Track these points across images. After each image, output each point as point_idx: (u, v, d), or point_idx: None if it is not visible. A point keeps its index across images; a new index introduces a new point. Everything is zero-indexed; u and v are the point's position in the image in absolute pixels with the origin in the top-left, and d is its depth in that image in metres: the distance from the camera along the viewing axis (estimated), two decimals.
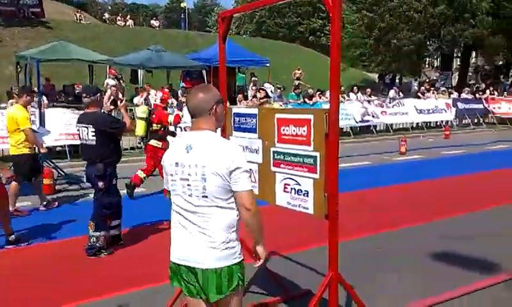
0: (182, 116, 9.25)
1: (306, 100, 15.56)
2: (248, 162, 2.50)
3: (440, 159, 12.52)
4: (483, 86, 24.53)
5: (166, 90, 10.05)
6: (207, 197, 2.39)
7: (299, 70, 23.39)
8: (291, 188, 3.24)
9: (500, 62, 35.58)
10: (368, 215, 7.03)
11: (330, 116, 2.83)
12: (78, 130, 5.42)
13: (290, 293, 4.25)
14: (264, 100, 9.02)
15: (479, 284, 4.45)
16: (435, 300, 4.15)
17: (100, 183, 5.29)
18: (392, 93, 19.23)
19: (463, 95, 21.15)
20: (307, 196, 3.10)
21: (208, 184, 2.37)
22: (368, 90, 19.36)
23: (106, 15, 40.89)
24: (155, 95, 9.25)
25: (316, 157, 3.00)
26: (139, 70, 16.82)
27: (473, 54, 34.81)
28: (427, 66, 39.46)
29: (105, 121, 5.35)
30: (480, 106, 20.54)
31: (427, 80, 31.62)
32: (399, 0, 24.57)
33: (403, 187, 9.03)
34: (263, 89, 8.94)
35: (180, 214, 2.48)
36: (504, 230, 6.17)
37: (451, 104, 19.64)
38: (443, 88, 22.59)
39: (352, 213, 7.04)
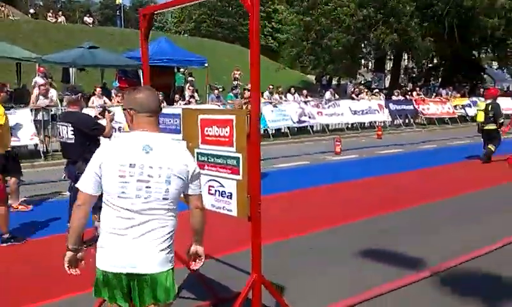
0: None
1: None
2: None
3: (373, 159, 12.94)
4: (410, 86, 25.79)
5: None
6: (167, 199, 2.39)
7: (238, 70, 23.40)
8: (215, 191, 3.19)
9: (430, 65, 37.44)
10: (303, 214, 7.11)
11: (251, 117, 2.81)
12: (58, 128, 5.62)
13: (220, 297, 4.19)
14: (246, 100, 9.65)
15: (405, 281, 4.59)
16: (361, 298, 4.23)
17: None
18: (327, 94, 19.67)
19: (394, 97, 22.04)
20: (230, 198, 3.07)
21: (172, 187, 2.38)
22: (305, 91, 19.72)
23: (31, 11, 38.65)
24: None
25: (239, 158, 2.97)
26: (70, 69, 16.12)
27: (405, 56, 36.28)
28: (363, 67, 40.79)
29: (86, 123, 5.48)
30: (411, 107, 21.49)
31: (362, 82, 32.68)
32: (333, 4, 25.20)
33: (337, 186, 9.24)
34: (248, 90, 9.92)
35: (124, 218, 2.35)
36: (431, 226, 6.45)
37: (384, 105, 20.40)
38: (377, 90, 23.43)
39: (288, 212, 7.11)
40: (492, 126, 11.60)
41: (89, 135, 5.40)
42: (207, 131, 3.19)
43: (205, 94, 19.09)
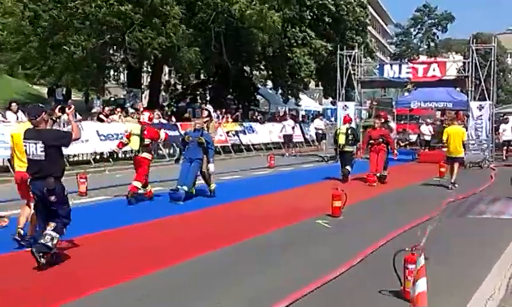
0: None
1: None
2: None
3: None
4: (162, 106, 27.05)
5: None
6: None
7: None
8: None
9: (197, 81, 39.77)
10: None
11: None
12: (25, 146, 7.39)
13: None
14: (207, 119, 14.00)
15: None
16: None
17: (52, 197, 7.24)
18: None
19: (155, 120, 22.73)
20: None
21: None
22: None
23: None
24: (142, 114, 13.88)
25: None
26: None
27: (166, 69, 37.74)
28: (113, 81, 40.87)
29: (54, 137, 7.49)
30: (176, 133, 22.43)
31: (114, 98, 32.81)
32: None
33: (87, 237, 8.99)
34: (206, 109, 14.98)
35: None
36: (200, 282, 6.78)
37: None
38: (132, 110, 23.68)
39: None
40: (350, 149, 16.86)
41: (59, 149, 7.47)
42: None
43: None
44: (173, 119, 25.82)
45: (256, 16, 27.11)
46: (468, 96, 25.07)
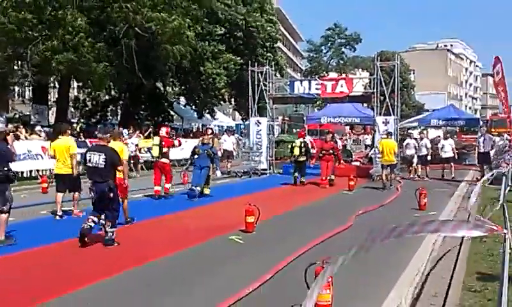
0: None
1: None
2: None
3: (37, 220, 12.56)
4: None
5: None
6: None
7: None
8: None
9: (107, 97, 38.84)
10: None
11: None
12: (89, 156, 10.07)
13: None
14: (211, 136, 18.44)
15: None
16: None
17: (111, 194, 9.96)
18: None
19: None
20: None
21: None
22: None
23: None
24: (161, 129, 17.65)
25: None
26: None
27: (75, 84, 36.49)
28: (18, 97, 39.42)
29: (116, 155, 10.24)
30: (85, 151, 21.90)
31: (19, 115, 31.42)
32: None
33: None
34: (210, 129, 20.91)
35: None
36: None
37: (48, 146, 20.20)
38: (39, 127, 22.80)
39: None
40: (303, 158, 20.94)
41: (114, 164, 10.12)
42: None
43: None
44: (82, 136, 24.97)
45: (172, 33, 26.82)
46: (374, 111, 25.80)
